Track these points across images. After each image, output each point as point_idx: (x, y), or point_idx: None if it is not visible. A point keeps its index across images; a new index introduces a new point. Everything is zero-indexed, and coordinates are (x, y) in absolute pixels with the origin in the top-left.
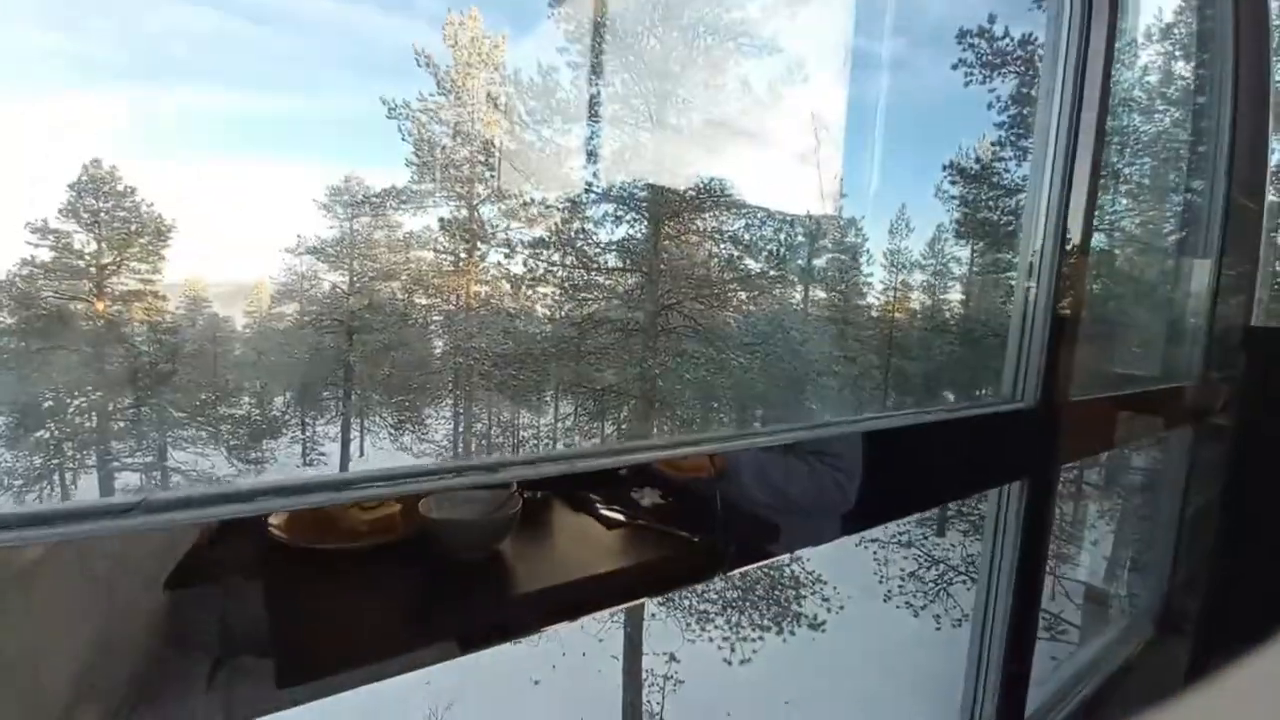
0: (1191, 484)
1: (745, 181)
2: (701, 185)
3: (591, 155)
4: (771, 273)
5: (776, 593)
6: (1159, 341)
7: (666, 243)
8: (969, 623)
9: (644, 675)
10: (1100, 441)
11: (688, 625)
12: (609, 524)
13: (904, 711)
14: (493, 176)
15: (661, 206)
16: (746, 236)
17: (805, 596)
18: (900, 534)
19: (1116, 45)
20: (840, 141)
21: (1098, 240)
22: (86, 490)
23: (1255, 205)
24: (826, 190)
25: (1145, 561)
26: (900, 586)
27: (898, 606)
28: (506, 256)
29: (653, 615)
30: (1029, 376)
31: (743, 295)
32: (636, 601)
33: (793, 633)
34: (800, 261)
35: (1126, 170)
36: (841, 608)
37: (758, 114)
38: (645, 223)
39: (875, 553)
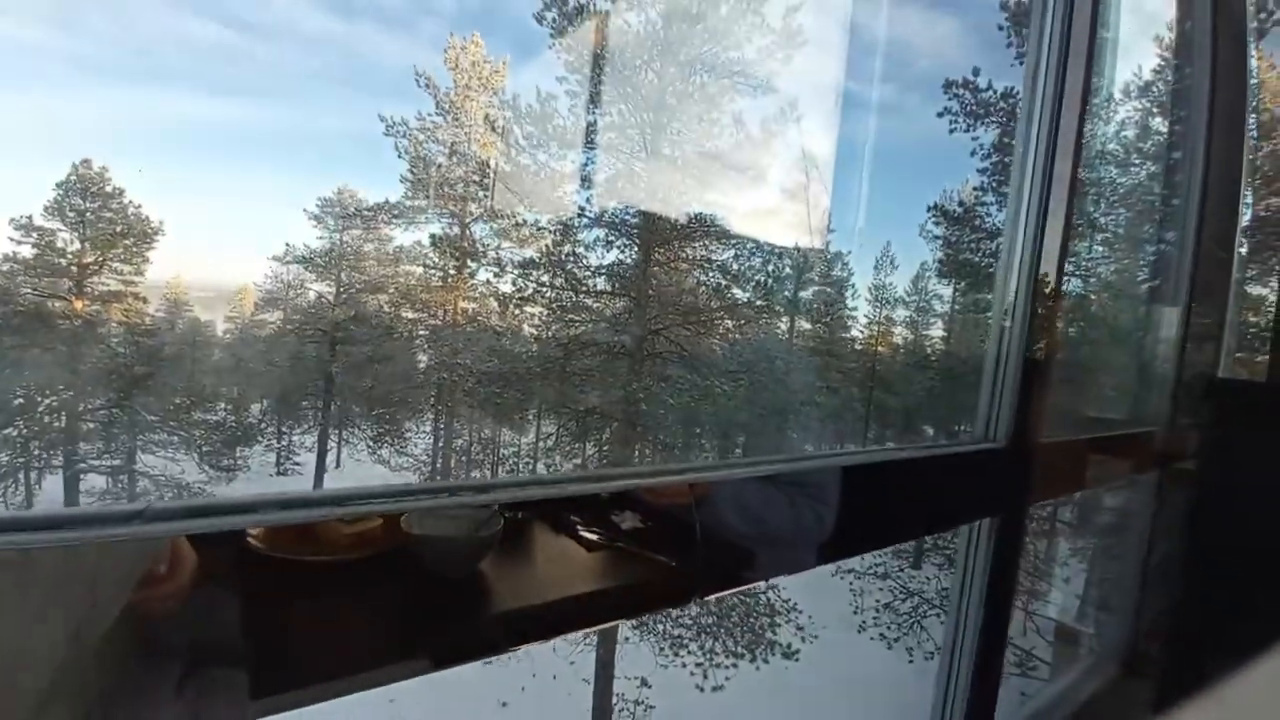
0: (1157, 528)
1: (736, 213)
2: (692, 215)
3: (585, 181)
4: (758, 303)
5: (751, 620)
6: (1130, 386)
7: (656, 269)
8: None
9: (614, 699)
10: (1070, 483)
11: (661, 650)
12: (589, 546)
13: None
14: (486, 196)
15: (652, 234)
16: (735, 266)
17: (780, 625)
18: (876, 565)
19: (1094, 100)
20: (829, 179)
21: (1074, 286)
22: (51, 491)
23: (1225, 254)
24: (815, 225)
25: (1113, 601)
26: (875, 618)
27: (872, 638)
28: (496, 275)
29: (626, 639)
30: (1002, 417)
31: (729, 324)
32: (612, 623)
33: (766, 661)
34: (787, 293)
35: (1103, 220)
36: (816, 637)
37: (750, 149)
38: (636, 249)
39: (851, 583)
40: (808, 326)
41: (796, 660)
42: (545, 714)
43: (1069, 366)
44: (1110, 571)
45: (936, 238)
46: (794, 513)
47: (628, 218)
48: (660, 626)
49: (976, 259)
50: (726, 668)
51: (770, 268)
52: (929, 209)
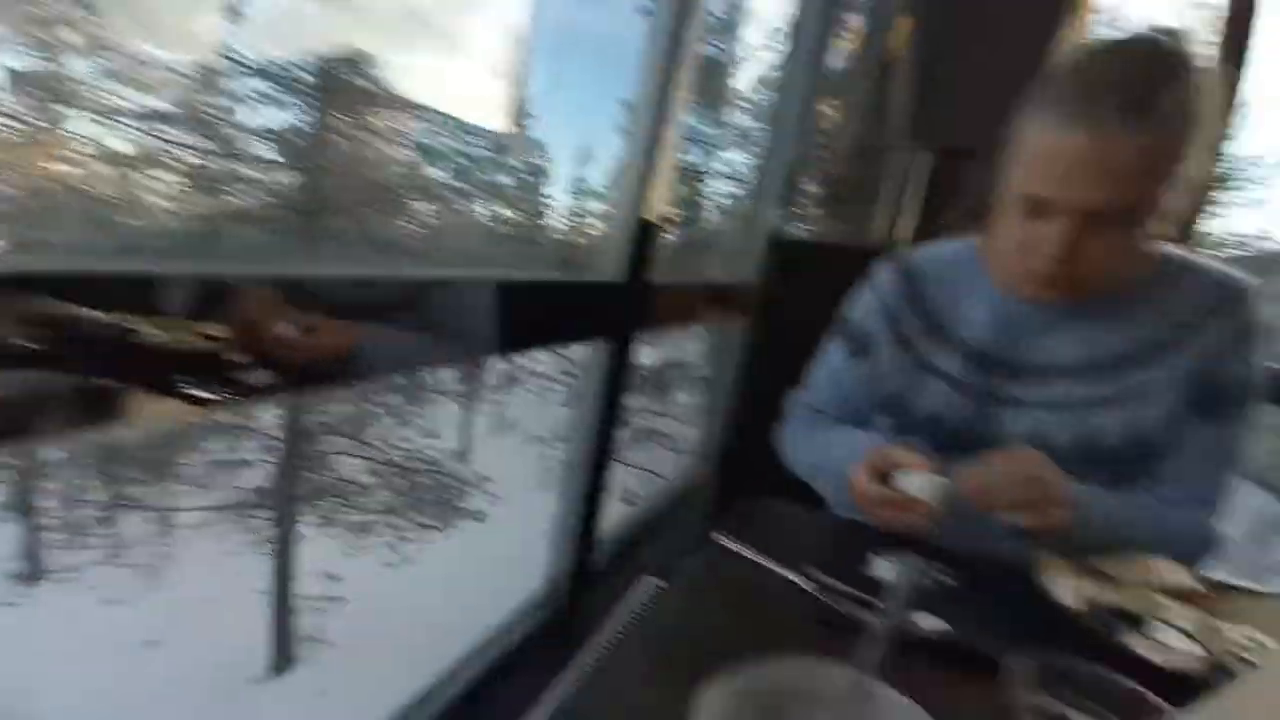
0: (739, 362)
1: (433, 85)
2: (383, 79)
3: (237, 15)
4: (455, 184)
5: (440, 493)
6: (735, 254)
7: (337, 138)
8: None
9: (297, 601)
10: (676, 317)
11: (348, 543)
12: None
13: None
14: (92, 21)
15: (334, 95)
16: (430, 144)
17: (471, 494)
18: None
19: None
20: (532, 62)
21: (722, 186)
22: None
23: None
24: (516, 108)
25: (708, 430)
26: (548, 473)
27: (551, 493)
28: (107, 129)
29: (305, 537)
30: (621, 259)
31: (422, 206)
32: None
33: (455, 526)
34: (486, 176)
35: (756, 134)
36: (502, 499)
37: (453, 15)
38: (311, 112)
39: (542, 451)
40: (509, 213)
41: (483, 522)
42: (213, 639)
43: (697, 241)
44: (707, 405)
45: (628, 131)
46: (433, 320)
47: (301, 72)
48: (345, 518)
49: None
50: (417, 542)
51: (468, 148)
52: (621, 102)
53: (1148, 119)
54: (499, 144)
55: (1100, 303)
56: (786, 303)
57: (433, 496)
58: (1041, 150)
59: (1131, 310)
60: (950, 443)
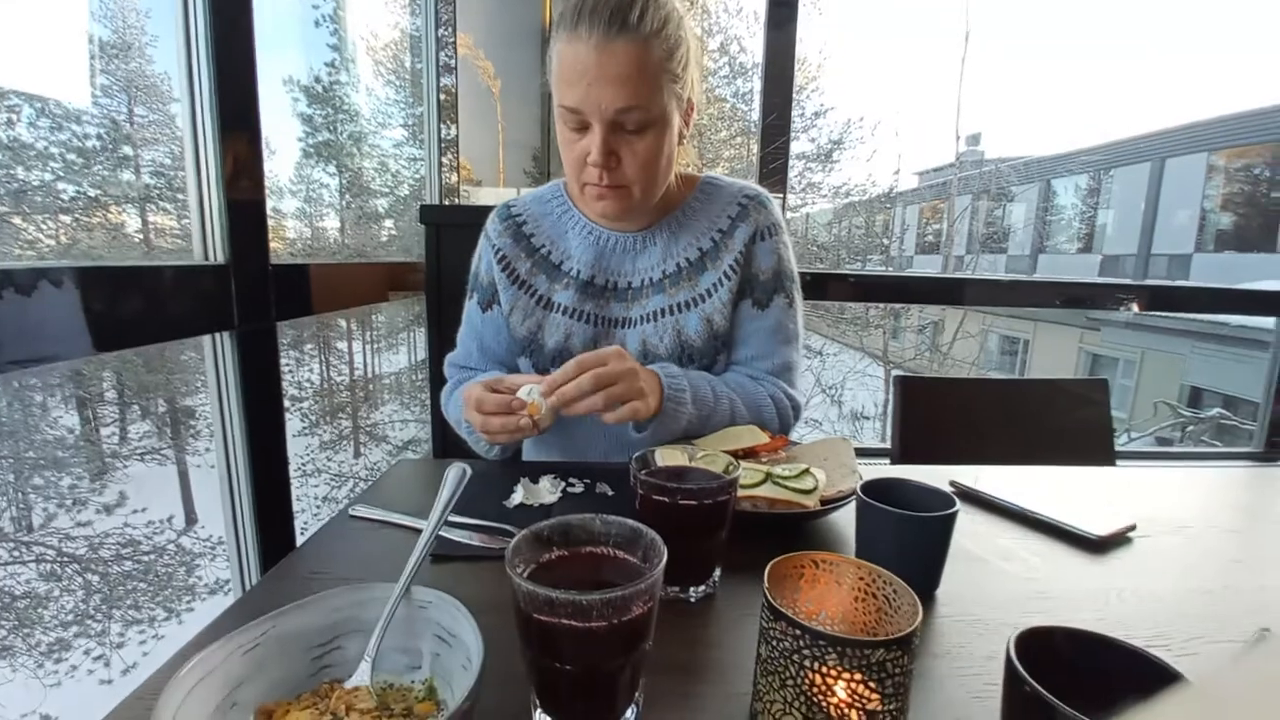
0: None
1: None
2: None
3: None
4: (74, 190)
5: (161, 576)
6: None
7: None
8: None
9: None
10: (341, 299)
11: (40, 666)
12: None
13: None
14: None
15: None
16: (20, 135)
17: (203, 564)
18: (305, 463)
19: None
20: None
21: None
22: None
23: None
24: (147, 85)
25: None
26: (316, 512)
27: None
28: None
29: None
30: (216, 239)
31: (24, 223)
32: None
33: (191, 609)
34: (130, 175)
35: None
36: None
37: None
38: None
39: (295, 493)
40: (172, 223)
41: (228, 593)
42: None
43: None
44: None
45: (306, 118)
46: None
47: None
48: (28, 642)
49: (340, 139)
50: (141, 641)
51: (89, 140)
52: (287, 83)
53: (634, 29)
54: (129, 132)
55: (665, 225)
56: (444, 269)
57: (149, 582)
58: (564, 64)
59: (686, 225)
60: None
